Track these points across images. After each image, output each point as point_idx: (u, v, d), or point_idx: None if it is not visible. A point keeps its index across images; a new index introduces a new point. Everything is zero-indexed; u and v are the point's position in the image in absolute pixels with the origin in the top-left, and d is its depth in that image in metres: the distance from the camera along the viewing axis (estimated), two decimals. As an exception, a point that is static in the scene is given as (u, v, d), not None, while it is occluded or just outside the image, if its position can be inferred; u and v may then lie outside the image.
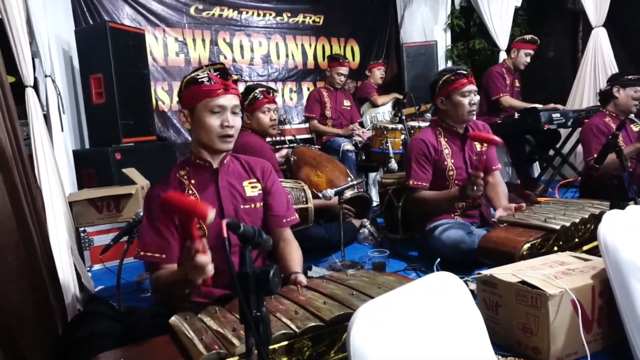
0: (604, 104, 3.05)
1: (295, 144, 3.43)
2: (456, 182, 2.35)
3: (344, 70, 4.01)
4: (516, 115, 3.78)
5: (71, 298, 1.80)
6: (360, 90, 4.79)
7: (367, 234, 2.86)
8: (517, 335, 1.39)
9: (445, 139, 2.37)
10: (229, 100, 1.43)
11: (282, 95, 4.95)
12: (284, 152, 3.10)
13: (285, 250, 1.59)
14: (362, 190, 2.93)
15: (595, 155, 2.27)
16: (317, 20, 5.13)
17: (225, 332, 1.07)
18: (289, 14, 4.95)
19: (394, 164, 3.24)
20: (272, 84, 4.83)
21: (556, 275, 1.39)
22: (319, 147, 3.66)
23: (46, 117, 2.69)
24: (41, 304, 1.56)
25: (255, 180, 1.59)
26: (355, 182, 2.59)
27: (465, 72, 2.26)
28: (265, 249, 0.99)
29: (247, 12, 4.70)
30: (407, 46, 5.02)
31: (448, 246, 2.17)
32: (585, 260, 1.56)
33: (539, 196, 3.59)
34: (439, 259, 2.12)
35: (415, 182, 2.32)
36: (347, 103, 4.20)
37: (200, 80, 1.42)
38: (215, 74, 1.43)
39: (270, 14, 4.84)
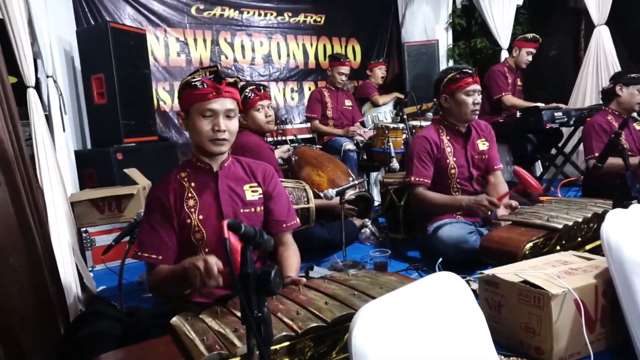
0: (606, 102, 3.04)
1: (296, 144, 3.43)
2: (458, 180, 2.35)
3: (346, 69, 4.01)
4: (518, 114, 3.77)
5: (73, 298, 1.80)
6: (361, 90, 4.79)
7: (368, 233, 2.86)
8: (520, 335, 1.38)
9: (448, 137, 2.37)
10: (221, 104, 1.43)
11: (284, 95, 4.95)
12: (285, 147, 3.09)
13: (283, 255, 1.58)
14: (363, 190, 2.92)
15: (597, 154, 2.26)
16: (318, 19, 5.13)
17: (226, 333, 1.07)
18: (290, 14, 4.94)
19: (395, 164, 3.23)
20: (273, 84, 4.84)
21: (559, 274, 1.38)
22: (321, 146, 3.66)
23: (48, 118, 2.69)
24: (43, 304, 1.57)
25: (256, 184, 1.58)
26: (356, 182, 2.58)
27: (470, 71, 2.26)
28: (267, 249, 0.98)
29: (248, 12, 4.70)
30: (408, 45, 5.01)
31: (450, 246, 2.16)
32: (588, 259, 1.56)
33: (541, 195, 3.58)
34: (440, 259, 2.12)
35: (417, 179, 2.31)
36: (348, 103, 4.20)
37: (193, 84, 1.42)
38: (208, 77, 1.42)
39: (272, 14, 4.84)
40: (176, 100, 4.16)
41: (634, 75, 2.91)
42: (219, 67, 1.49)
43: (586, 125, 3.02)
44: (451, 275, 1.14)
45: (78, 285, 1.91)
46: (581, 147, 3.74)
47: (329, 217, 2.63)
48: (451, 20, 4.97)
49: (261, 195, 1.58)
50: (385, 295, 1.05)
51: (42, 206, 1.80)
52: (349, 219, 2.79)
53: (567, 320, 1.30)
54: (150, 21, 4.16)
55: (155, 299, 2.16)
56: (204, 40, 4.45)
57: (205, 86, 1.41)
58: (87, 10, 3.77)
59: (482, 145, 2.41)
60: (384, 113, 4.58)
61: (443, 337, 1.03)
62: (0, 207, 1.42)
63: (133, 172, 2.89)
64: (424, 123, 3.50)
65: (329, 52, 5.11)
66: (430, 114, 3.42)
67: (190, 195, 1.49)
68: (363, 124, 4.36)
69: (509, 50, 4.29)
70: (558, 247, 1.86)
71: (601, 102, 3.17)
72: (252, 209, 1.55)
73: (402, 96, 4.49)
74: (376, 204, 3.39)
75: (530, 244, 1.79)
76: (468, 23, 5.02)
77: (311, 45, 5.10)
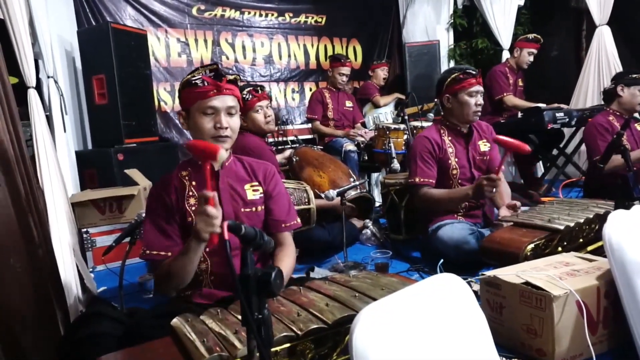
0: (607, 102, 3.03)
1: (297, 145, 3.42)
2: (459, 181, 2.34)
3: (346, 70, 4.01)
4: (519, 114, 3.76)
5: (73, 299, 1.80)
6: (362, 90, 4.78)
7: (369, 234, 2.85)
8: (522, 337, 1.38)
9: (450, 138, 2.36)
10: (222, 101, 1.43)
11: (285, 95, 4.95)
12: (287, 152, 3.09)
13: (279, 255, 1.57)
14: (364, 190, 2.92)
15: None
16: (320, 20, 5.13)
17: (227, 334, 1.07)
18: (291, 14, 4.94)
19: (396, 164, 3.23)
20: (274, 85, 4.84)
21: (561, 276, 1.37)
22: (322, 147, 3.65)
23: (49, 118, 2.69)
24: (43, 305, 1.56)
25: (257, 183, 1.58)
26: (357, 183, 2.58)
27: (474, 72, 2.25)
28: (267, 250, 0.98)
29: (249, 13, 4.70)
30: (409, 46, 5.01)
31: (451, 247, 2.16)
32: (590, 260, 1.55)
33: (543, 196, 3.57)
34: (442, 260, 2.11)
35: (422, 179, 2.30)
36: (349, 104, 4.19)
37: (193, 82, 1.42)
38: (209, 75, 1.43)
39: (273, 14, 4.84)
40: (177, 101, 4.16)
41: (635, 75, 2.90)
42: (219, 66, 1.49)
43: (588, 126, 3.00)
44: (452, 277, 1.14)
45: (78, 285, 1.91)
46: (582, 147, 3.74)
47: (330, 219, 2.62)
48: (452, 21, 4.97)
49: (262, 195, 1.58)
50: (386, 296, 1.05)
51: (43, 207, 1.79)
52: (349, 220, 2.79)
53: (569, 322, 1.30)
54: (151, 22, 4.17)
55: (155, 299, 2.17)
56: (205, 41, 4.46)
57: (206, 84, 1.41)
58: (88, 10, 3.78)
59: (484, 146, 2.41)
60: (385, 114, 4.58)
61: (444, 339, 1.03)
62: (0, 207, 1.41)
63: (134, 173, 2.89)
64: (425, 123, 3.50)
65: (330, 52, 5.11)
66: (431, 115, 3.42)
67: (191, 193, 1.49)
68: (364, 125, 4.36)
69: (510, 50, 4.28)
70: (560, 249, 1.86)
71: (603, 102, 3.16)
72: (253, 209, 1.54)
73: (403, 97, 4.48)
74: (377, 204, 3.39)
75: (532, 245, 1.78)
76: (469, 23, 5.02)
77: (312, 45, 5.10)
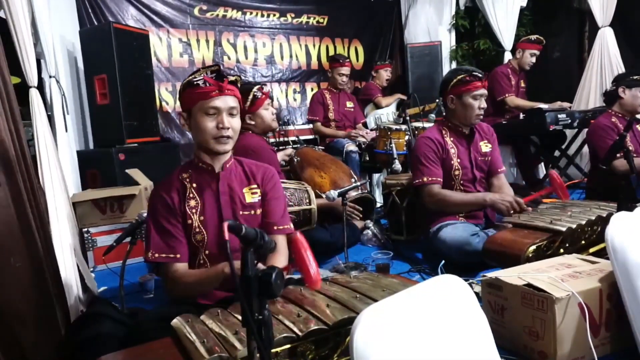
0: (609, 104, 3.02)
1: (298, 145, 3.42)
2: (461, 182, 2.34)
3: (345, 70, 4.00)
4: (521, 116, 3.76)
5: (74, 299, 1.80)
6: (364, 91, 4.78)
7: (370, 235, 2.84)
8: (523, 339, 1.37)
9: (452, 139, 2.36)
10: (224, 101, 1.43)
11: (286, 96, 4.95)
12: (288, 150, 3.09)
13: (270, 260, 1.57)
14: (365, 191, 2.91)
15: (618, 155, 2.21)
16: (321, 20, 5.13)
17: (227, 335, 1.07)
18: (293, 15, 4.94)
19: (398, 165, 3.22)
20: (275, 85, 4.84)
21: (563, 278, 1.37)
22: (323, 148, 3.65)
23: (50, 118, 2.69)
24: (43, 305, 1.56)
25: (255, 185, 1.58)
26: (359, 183, 2.57)
27: (480, 75, 2.24)
28: (268, 251, 0.98)
29: (250, 13, 4.70)
30: (411, 47, 5.01)
31: (452, 248, 2.15)
32: (593, 262, 1.54)
33: (545, 197, 3.56)
34: (443, 261, 2.10)
35: (430, 178, 2.29)
36: (350, 104, 4.19)
37: (195, 83, 1.42)
38: (210, 76, 1.43)
39: (274, 15, 4.84)
40: (178, 101, 4.18)
41: (636, 77, 2.89)
42: (221, 67, 1.49)
43: (592, 128, 2.99)
44: (454, 278, 1.13)
45: (79, 285, 1.91)
46: (585, 149, 3.72)
47: (332, 219, 2.62)
48: (454, 22, 4.97)
49: (260, 197, 1.58)
50: (387, 297, 1.04)
51: (44, 207, 1.79)
52: (350, 221, 2.78)
53: (571, 324, 1.29)
54: (153, 22, 4.17)
55: (156, 299, 2.16)
56: (207, 41, 4.46)
57: (208, 85, 1.41)
58: (90, 10, 3.78)
59: (485, 147, 2.40)
60: (387, 114, 4.57)
61: (445, 341, 1.02)
62: (1, 207, 1.41)
63: (135, 173, 2.89)
64: (426, 124, 3.49)
65: (331, 53, 5.11)
66: (432, 115, 3.41)
67: (191, 195, 1.49)
68: (365, 125, 4.36)
69: (513, 51, 4.28)
70: (562, 250, 1.85)
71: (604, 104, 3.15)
72: (252, 211, 1.54)
73: (404, 97, 4.48)
74: (378, 205, 3.38)
75: (534, 247, 1.78)
76: (471, 24, 5.01)
77: (314, 46, 5.10)
